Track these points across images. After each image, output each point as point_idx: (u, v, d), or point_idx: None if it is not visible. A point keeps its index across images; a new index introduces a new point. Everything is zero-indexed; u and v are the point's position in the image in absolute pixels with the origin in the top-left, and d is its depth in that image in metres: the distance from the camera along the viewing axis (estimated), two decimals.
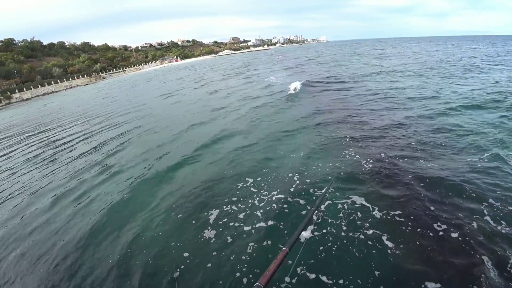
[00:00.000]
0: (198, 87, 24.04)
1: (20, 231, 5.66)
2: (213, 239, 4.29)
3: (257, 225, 4.44)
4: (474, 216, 4.02)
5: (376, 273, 3.32)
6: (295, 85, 15.65)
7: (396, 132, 7.69)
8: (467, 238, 3.65)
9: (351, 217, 4.30)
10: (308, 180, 5.51)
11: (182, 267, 3.83)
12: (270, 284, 3.28)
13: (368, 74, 19.23)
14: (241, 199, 5.26)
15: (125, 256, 4.25)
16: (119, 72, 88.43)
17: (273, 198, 5.08)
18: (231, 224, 4.58)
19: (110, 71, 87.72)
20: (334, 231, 4.06)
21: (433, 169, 5.43)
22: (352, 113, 9.96)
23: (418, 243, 3.69)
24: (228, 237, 4.26)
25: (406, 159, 5.97)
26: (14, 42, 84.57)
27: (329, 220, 4.28)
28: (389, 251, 3.60)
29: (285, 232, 4.17)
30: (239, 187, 5.69)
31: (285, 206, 4.79)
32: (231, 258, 3.84)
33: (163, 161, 7.72)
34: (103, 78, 78.55)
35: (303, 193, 5.10)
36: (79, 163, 8.97)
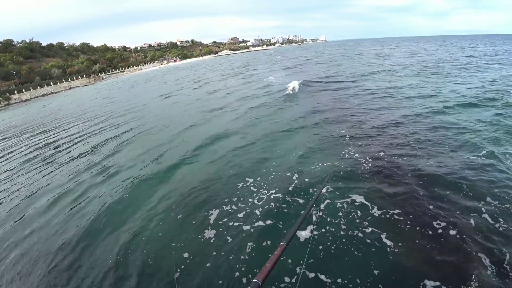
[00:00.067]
0: (197, 87, 24.04)
1: (19, 231, 5.66)
2: (213, 239, 4.29)
3: (256, 224, 4.45)
4: (472, 214, 4.04)
5: (375, 272, 3.33)
6: (294, 85, 15.66)
7: (395, 130, 7.71)
8: (465, 236, 3.66)
9: (350, 216, 4.31)
10: (307, 179, 5.52)
11: (182, 267, 3.83)
12: (269, 282, 3.31)
13: (367, 73, 19.25)
14: (241, 198, 5.26)
15: (124, 257, 4.25)
16: (118, 72, 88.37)
17: (272, 197, 5.09)
18: (230, 223, 4.58)
19: (109, 72, 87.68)
20: (333, 230, 4.07)
21: (431, 167, 5.45)
22: (351, 112, 9.98)
23: (417, 241, 3.70)
24: (228, 237, 4.27)
25: (404, 157, 5.99)
26: (13, 43, 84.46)
27: (328, 219, 4.29)
28: (388, 250, 3.61)
29: (285, 231, 4.18)
30: (238, 186, 5.69)
31: (283, 205, 4.80)
32: (230, 257, 3.84)
33: (162, 161, 7.73)
34: (102, 78, 78.52)
35: (302, 192, 5.11)
36: (78, 164, 8.96)
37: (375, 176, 5.36)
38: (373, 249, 3.66)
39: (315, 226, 4.16)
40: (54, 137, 14.37)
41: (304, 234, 4.04)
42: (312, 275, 3.40)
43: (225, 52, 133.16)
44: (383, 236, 3.83)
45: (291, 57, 51.19)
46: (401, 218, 4.14)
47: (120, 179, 7.08)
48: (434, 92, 11.99)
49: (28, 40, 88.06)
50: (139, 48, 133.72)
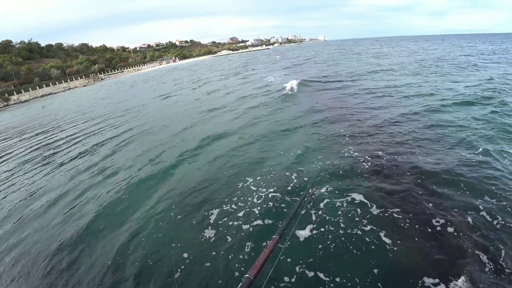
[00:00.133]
0: (196, 87, 24.03)
1: (19, 231, 5.66)
2: (213, 238, 4.30)
3: (255, 223, 4.46)
4: (469, 212, 4.06)
5: (375, 270, 3.35)
6: (293, 84, 15.67)
7: (393, 129, 7.75)
8: (463, 234, 3.69)
9: (350, 214, 4.32)
10: (305, 179, 5.53)
11: (182, 267, 3.83)
12: (269, 281, 3.33)
13: (366, 73, 19.28)
14: (241, 197, 5.27)
15: (124, 257, 4.25)
16: (117, 73, 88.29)
17: (271, 196, 5.10)
18: (230, 223, 4.59)
19: (108, 72, 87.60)
20: (333, 228, 4.08)
21: (429, 164, 5.49)
22: (350, 112, 10.01)
23: (416, 239, 3.72)
24: (228, 237, 4.27)
25: (403, 156, 6.03)
26: (11, 44, 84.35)
27: (327, 218, 4.30)
28: (387, 248, 3.63)
29: (284, 231, 4.14)
30: (238, 186, 5.70)
31: (283, 205, 4.81)
32: (230, 257, 3.85)
33: (162, 161, 7.73)
34: (102, 79, 78.46)
35: (301, 192, 5.11)
36: (77, 164, 8.97)
37: (374, 175, 5.39)
38: (372, 247, 3.67)
39: (314, 225, 4.17)
40: (54, 137, 14.36)
41: (303, 233, 4.05)
42: (311, 274, 3.41)
43: (224, 52, 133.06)
44: (382, 234, 3.85)
45: (290, 56, 51.17)
46: (400, 216, 4.16)
47: (119, 179, 7.09)
48: (432, 90, 12.03)
49: (27, 41, 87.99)
50: (138, 48, 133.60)
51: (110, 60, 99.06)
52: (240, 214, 4.77)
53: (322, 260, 3.59)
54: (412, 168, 5.43)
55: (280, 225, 1.91)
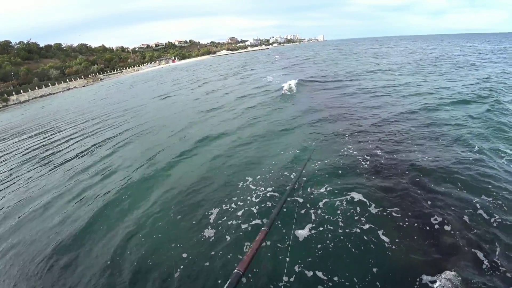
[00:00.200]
0: (196, 87, 24.01)
1: (16, 231, 5.66)
2: (212, 238, 4.29)
3: (254, 222, 4.45)
4: (467, 210, 4.08)
5: (374, 269, 3.36)
6: (292, 84, 15.69)
7: (392, 128, 7.78)
8: (461, 232, 3.71)
9: (348, 213, 4.33)
10: (304, 178, 5.52)
11: (182, 267, 3.83)
12: (268, 280, 3.34)
13: (365, 72, 19.33)
14: (240, 197, 5.27)
15: (123, 257, 4.25)
16: (117, 73, 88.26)
17: (270, 196, 5.10)
18: (229, 222, 4.58)
19: (107, 73, 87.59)
20: (332, 227, 4.09)
21: (427, 163, 5.53)
22: (348, 111, 10.03)
23: (415, 237, 3.74)
24: (227, 236, 4.27)
25: (401, 154, 6.06)
26: (10, 44, 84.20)
27: (326, 217, 4.31)
28: (386, 246, 3.65)
29: (283, 230, 4.17)
30: (237, 185, 5.70)
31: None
32: (229, 256, 3.85)
33: (161, 161, 7.72)
34: (101, 79, 78.43)
35: (300, 191, 5.10)
36: (76, 164, 8.97)
37: (372, 174, 5.40)
38: (371, 246, 3.69)
39: (313, 225, 4.18)
40: (53, 138, 14.35)
41: (302, 232, 4.06)
42: (310, 273, 3.42)
43: (223, 52, 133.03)
44: (380, 233, 3.86)
45: (289, 56, 51.19)
46: (399, 215, 4.17)
47: (118, 179, 7.08)
48: (430, 90, 12.10)
49: (25, 41, 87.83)
50: (137, 48, 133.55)
51: (109, 60, 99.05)
52: (239, 213, 4.77)
53: (321, 259, 3.59)
54: (410, 167, 5.45)
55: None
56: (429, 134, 7.13)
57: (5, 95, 53.92)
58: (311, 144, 7.21)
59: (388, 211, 4.28)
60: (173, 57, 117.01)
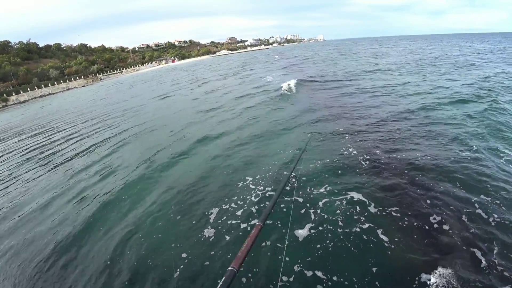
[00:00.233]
0: (195, 87, 24.02)
1: (16, 230, 5.67)
2: (212, 237, 4.29)
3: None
4: (465, 210, 4.09)
5: (373, 268, 3.36)
6: (291, 84, 15.73)
7: (391, 128, 7.80)
8: (459, 231, 3.72)
9: (348, 213, 4.34)
10: (304, 178, 5.54)
11: (182, 266, 3.82)
12: (266, 280, 3.34)
13: (364, 72, 19.34)
14: (240, 196, 5.28)
15: (122, 256, 4.25)
16: (116, 73, 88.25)
17: (269, 196, 5.10)
18: (229, 222, 4.59)
19: (107, 73, 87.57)
20: (331, 227, 4.09)
21: (426, 162, 5.54)
22: (347, 110, 10.05)
23: (415, 236, 3.75)
24: (227, 236, 4.27)
25: (401, 153, 6.08)
26: (10, 44, 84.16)
27: (326, 216, 4.32)
28: (385, 245, 3.65)
29: (283, 230, 4.18)
30: (236, 184, 5.70)
31: (282, 205, 4.79)
32: (228, 256, 3.85)
33: (160, 160, 7.72)
34: (100, 79, 78.41)
35: (300, 191, 5.12)
36: (76, 164, 8.97)
37: (372, 173, 5.41)
38: (370, 245, 3.69)
39: (313, 224, 4.18)
40: (52, 138, 14.35)
41: (302, 232, 4.06)
42: (309, 273, 3.42)
43: (223, 52, 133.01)
44: (379, 232, 3.86)
45: (289, 56, 51.20)
46: (398, 214, 4.18)
47: (117, 178, 7.08)
48: (429, 89, 12.13)
49: (25, 41, 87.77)
50: (137, 48, 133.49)
51: (109, 60, 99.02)
52: (239, 213, 4.77)
53: (320, 259, 3.60)
54: (409, 166, 5.47)
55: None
56: (428, 133, 7.15)
57: (4, 95, 53.90)
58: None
59: (387, 211, 4.28)
60: (172, 57, 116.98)
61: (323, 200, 4.73)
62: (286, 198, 4.96)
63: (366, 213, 4.29)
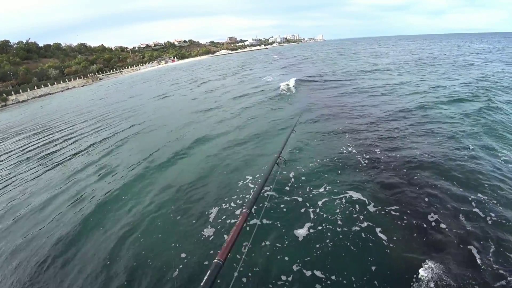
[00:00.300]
0: (194, 87, 24.02)
1: (14, 229, 5.67)
2: (212, 237, 4.30)
3: (252, 222, 4.47)
4: (463, 208, 4.12)
5: (372, 267, 3.38)
6: (290, 84, 15.76)
7: (389, 127, 7.84)
8: (457, 230, 3.74)
9: (347, 212, 4.36)
10: (303, 178, 5.56)
11: (181, 266, 3.83)
12: (266, 279, 3.35)
13: (363, 72, 19.38)
14: (240, 195, 5.29)
15: (121, 256, 4.25)
16: (116, 73, 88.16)
17: (267, 195, 5.08)
18: (228, 221, 4.59)
19: (106, 72, 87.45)
20: (330, 226, 4.11)
21: (425, 161, 5.58)
22: (346, 110, 10.07)
23: (414, 235, 3.77)
24: (225, 235, 4.27)
25: (399, 153, 6.11)
26: (9, 43, 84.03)
27: (324, 216, 4.33)
28: (384, 244, 3.67)
29: (283, 230, 4.19)
30: (236, 183, 5.71)
31: (282, 205, 4.82)
32: (228, 256, 3.86)
33: (159, 160, 7.73)
34: (100, 79, 78.31)
35: (300, 191, 5.14)
36: (75, 163, 8.97)
37: (371, 172, 5.44)
38: (369, 244, 3.71)
39: (312, 224, 4.19)
40: (52, 137, 14.34)
41: (301, 232, 4.08)
42: (309, 273, 3.43)
43: (223, 52, 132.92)
44: (378, 230, 3.88)
45: (289, 56, 51.21)
46: (397, 213, 4.20)
47: (116, 178, 7.09)
48: (428, 89, 12.19)
49: (24, 41, 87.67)
50: (136, 48, 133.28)
51: (108, 60, 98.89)
52: (238, 212, 4.77)
53: (319, 258, 3.61)
54: (408, 165, 5.51)
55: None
56: (426, 132, 7.19)
57: (4, 94, 53.81)
58: (310, 143, 7.23)
59: (386, 210, 4.30)
60: (172, 57, 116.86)
61: (323, 200, 4.74)
62: (285, 198, 4.99)
63: (365, 212, 4.30)
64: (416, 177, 5.07)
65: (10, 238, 5.41)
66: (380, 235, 3.82)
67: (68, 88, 65.81)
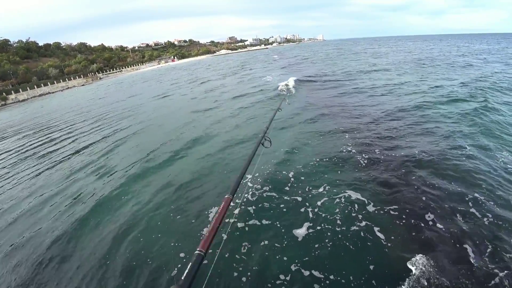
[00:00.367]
0: (194, 86, 24.02)
1: (13, 228, 5.67)
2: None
3: (251, 222, 4.47)
4: (461, 208, 4.13)
5: (370, 266, 3.39)
6: (290, 84, 15.78)
7: (388, 126, 7.86)
8: (455, 228, 3.76)
9: (346, 211, 4.36)
10: (302, 178, 5.56)
11: (180, 266, 3.83)
12: (265, 278, 3.37)
13: (362, 72, 19.40)
14: (239, 194, 5.26)
15: (119, 254, 4.25)
16: (116, 72, 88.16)
17: (266, 195, 5.12)
18: (226, 220, 4.61)
19: (106, 72, 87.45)
20: (329, 226, 4.11)
21: (423, 161, 5.61)
22: (345, 109, 10.09)
23: (413, 234, 3.78)
24: (224, 235, 4.31)
25: (398, 152, 6.14)
26: (9, 43, 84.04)
27: (323, 215, 4.34)
28: (382, 243, 3.69)
29: (282, 230, 4.19)
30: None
31: (282, 205, 4.81)
32: (226, 256, 3.85)
33: (158, 159, 7.73)
34: (100, 78, 78.31)
35: (299, 191, 5.13)
36: (74, 162, 8.97)
37: (370, 171, 5.45)
38: (368, 243, 3.72)
39: (311, 224, 4.20)
40: (51, 136, 14.33)
41: (300, 231, 4.08)
42: (307, 272, 3.44)
43: (223, 51, 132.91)
44: (377, 230, 3.89)
45: (289, 56, 51.20)
46: (396, 212, 4.21)
47: (115, 177, 7.08)
48: (427, 89, 12.22)
49: (24, 40, 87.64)
50: (136, 47, 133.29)
51: (108, 59, 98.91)
52: (236, 211, 4.75)
53: (318, 258, 3.62)
54: (406, 164, 5.53)
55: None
56: (424, 132, 7.22)
57: (4, 94, 53.81)
58: (309, 143, 7.24)
59: (385, 209, 4.31)
60: (172, 57, 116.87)
61: (322, 199, 4.75)
62: (285, 197, 5.01)
63: (364, 212, 4.31)
64: (414, 177, 5.08)
65: (8, 237, 5.40)
66: (379, 234, 3.83)
67: (68, 87, 65.81)
